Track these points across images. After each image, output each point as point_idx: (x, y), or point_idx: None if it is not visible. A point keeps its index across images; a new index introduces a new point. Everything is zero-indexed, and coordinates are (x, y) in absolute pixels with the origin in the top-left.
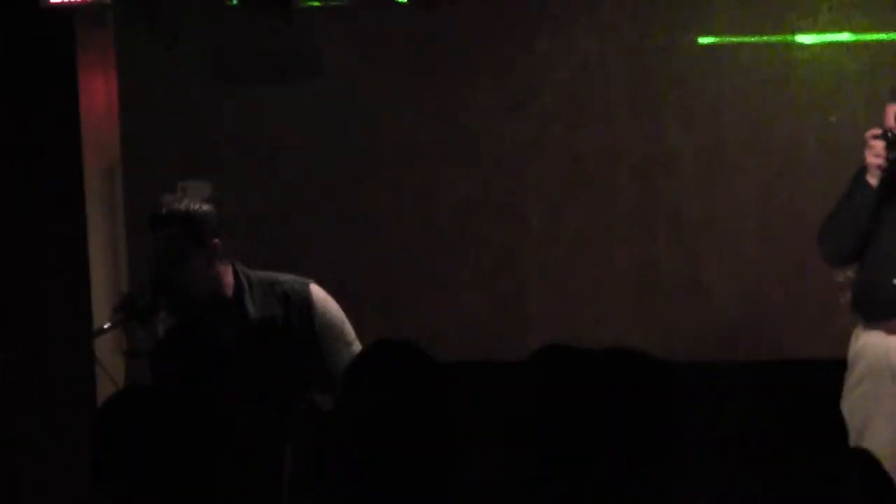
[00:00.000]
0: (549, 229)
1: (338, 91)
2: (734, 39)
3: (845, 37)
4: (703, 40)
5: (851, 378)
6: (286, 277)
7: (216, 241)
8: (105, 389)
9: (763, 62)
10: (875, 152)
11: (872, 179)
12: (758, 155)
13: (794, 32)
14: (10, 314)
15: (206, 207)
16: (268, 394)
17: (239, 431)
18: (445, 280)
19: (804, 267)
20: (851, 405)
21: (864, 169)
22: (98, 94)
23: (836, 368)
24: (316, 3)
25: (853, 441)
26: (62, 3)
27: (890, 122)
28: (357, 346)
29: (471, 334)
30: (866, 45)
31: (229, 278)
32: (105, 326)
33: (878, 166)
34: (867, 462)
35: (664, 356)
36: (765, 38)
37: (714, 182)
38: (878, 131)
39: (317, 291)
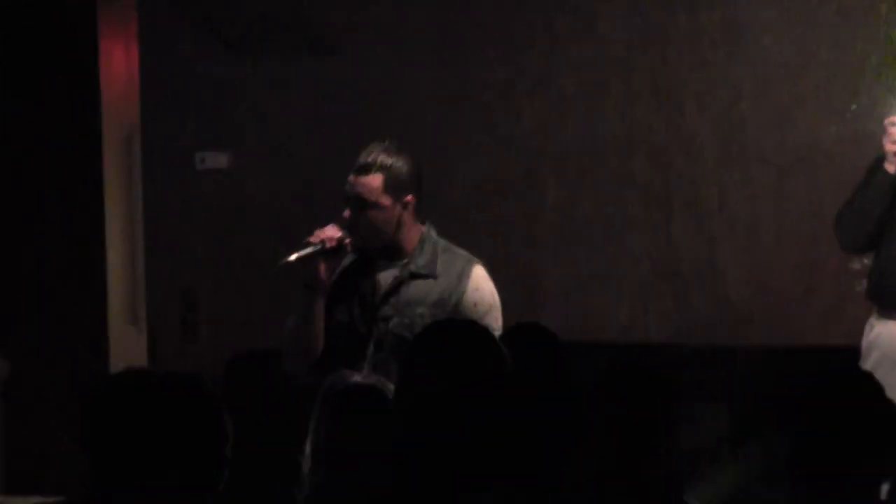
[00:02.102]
0: (564, 211)
1: (353, 66)
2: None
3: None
4: (726, 24)
5: (864, 367)
6: (460, 250)
7: (409, 196)
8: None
9: (785, 47)
10: (893, 139)
11: (890, 167)
12: (776, 141)
13: (815, 18)
14: (28, 279)
15: (407, 164)
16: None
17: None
18: None
19: (820, 254)
20: None
21: (882, 156)
22: (118, 62)
23: (849, 356)
24: None
25: None
26: None
27: None
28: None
29: None
30: (888, 33)
31: (415, 235)
32: (292, 257)
33: None
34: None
35: (676, 340)
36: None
37: (731, 168)
38: None
39: (478, 269)
